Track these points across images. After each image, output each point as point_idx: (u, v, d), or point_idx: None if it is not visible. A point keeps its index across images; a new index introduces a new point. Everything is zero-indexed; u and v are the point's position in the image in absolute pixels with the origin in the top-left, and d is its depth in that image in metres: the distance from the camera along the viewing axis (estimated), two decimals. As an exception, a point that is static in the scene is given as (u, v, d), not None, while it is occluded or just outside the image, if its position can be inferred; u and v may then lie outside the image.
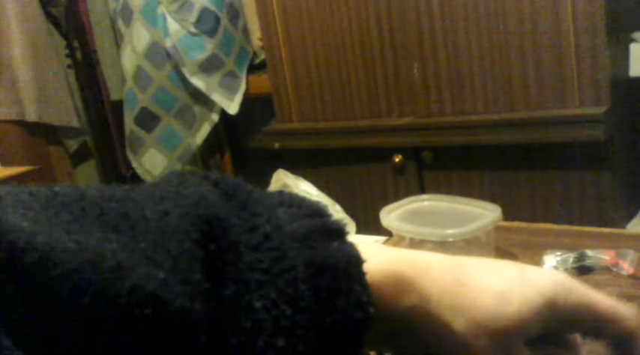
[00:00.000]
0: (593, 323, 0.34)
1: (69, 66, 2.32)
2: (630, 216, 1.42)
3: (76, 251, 0.23)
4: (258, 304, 0.27)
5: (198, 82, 1.94)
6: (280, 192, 0.32)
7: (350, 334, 0.29)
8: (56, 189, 0.27)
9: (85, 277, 0.23)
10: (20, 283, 0.22)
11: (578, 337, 0.37)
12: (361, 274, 0.30)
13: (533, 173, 1.47)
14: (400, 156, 1.60)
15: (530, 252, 0.82)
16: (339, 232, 0.31)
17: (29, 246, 0.23)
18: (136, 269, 0.24)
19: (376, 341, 0.32)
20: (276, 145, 1.78)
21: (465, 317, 0.31)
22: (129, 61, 2.01)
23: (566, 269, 0.77)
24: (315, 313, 0.28)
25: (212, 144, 2.14)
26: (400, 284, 0.31)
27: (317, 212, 0.32)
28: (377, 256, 0.31)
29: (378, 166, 1.65)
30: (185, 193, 0.28)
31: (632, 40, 1.49)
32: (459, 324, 0.31)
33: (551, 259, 0.78)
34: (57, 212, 0.25)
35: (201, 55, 1.92)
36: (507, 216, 0.86)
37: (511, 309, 0.31)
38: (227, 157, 2.18)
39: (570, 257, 0.79)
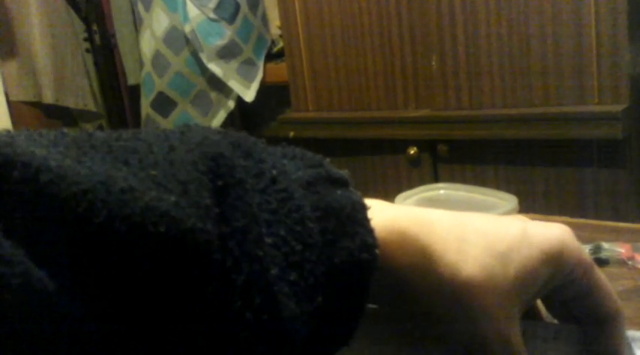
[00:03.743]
0: (583, 288, 0.34)
1: (87, 50, 2.33)
2: (645, 216, 1.41)
3: (89, 175, 0.23)
4: (268, 240, 0.27)
5: (215, 68, 1.94)
6: (282, 146, 0.33)
7: (358, 276, 0.29)
8: (64, 130, 0.27)
9: (98, 197, 0.23)
10: (35, 203, 0.23)
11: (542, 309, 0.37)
12: (365, 219, 0.30)
13: (548, 169, 1.46)
14: (415, 148, 1.60)
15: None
16: (342, 181, 0.31)
17: (42, 167, 0.23)
18: (147, 192, 0.24)
19: (375, 295, 0.32)
20: (291, 134, 1.78)
21: (465, 275, 0.31)
22: (147, 45, 2.02)
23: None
24: (324, 251, 0.28)
25: (227, 131, 2.14)
26: (404, 240, 0.31)
27: (320, 163, 0.32)
28: (381, 212, 0.31)
29: (393, 158, 1.65)
30: (189, 135, 0.28)
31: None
32: (458, 282, 0.31)
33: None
34: (67, 147, 0.25)
35: (219, 42, 1.92)
36: (522, 211, 0.85)
37: (510, 271, 0.31)
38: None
39: (586, 249, 0.78)
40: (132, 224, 0.23)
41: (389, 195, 0.90)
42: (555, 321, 0.38)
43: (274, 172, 0.29)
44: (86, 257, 0.23)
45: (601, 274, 0.34)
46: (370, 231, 0.30)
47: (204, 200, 0.25)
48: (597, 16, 1.35)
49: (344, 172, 0.32)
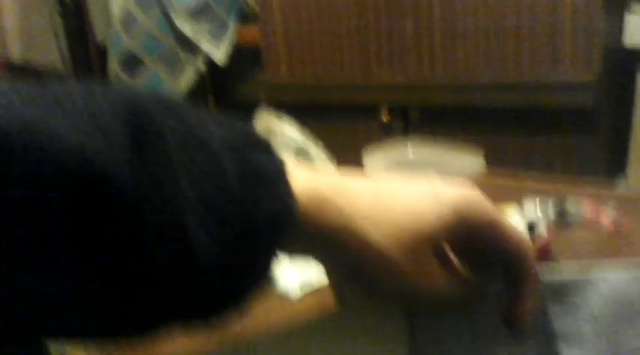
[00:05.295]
0: (494, 240, 0.37)
1: (57, 10, 2.28)
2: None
3: (8, 117, 0.24)
4: (189, 194, 0.28)
5: (186, 28, 1.90)
6: (210, 113, 0.34)
7: (275, 234, 0.31)
8: None
9: (18, 138, 0.24)
10: None
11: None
12: (287, 183, 0.32)
13: (518, 138, 1.46)
14: (388, 114, 1.59)
15: (511, 197, 0.81)
16: (266, 146, 0.33)
17: None
18: (67, 136, 0.25)
19: (295, 253, 0.35)
20: (263, 97, 1.75)
21: (382, 232, 0.34)
22: (117, 4, 1.97)
23: (546, 219, 0.77)
24: (244, 209, 0.30)
25: (197, 93, 2.11)
26: (322, 204, 0.33)
27: (245, 128, 0.33)
28: (303, 178, 0.33)
29: (365, 124, 1.64)
30: (117, 91, 0.29)
31: (629, 10, 1.48)
32: (375, 239, 0.34)
33: (530, 204, 0.79)
34: None
35: (190, 1, 1.88)
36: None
37: (423, 225, 0.35)
38: (211, 107, 2.16)
39: (549, 202, 0.79)
40: (50, 165, 0.24)
41: (360, 160, 0.90)
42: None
43: (200, 133, 0.30)
44: (3, 197, 0.24)
45: (509, 226, 0.37)
46: (290, 194, 0.32)
47: (124, 148, 0.26)
48: (573, -16, 1.34)
49: (268, 138, 0.34)
